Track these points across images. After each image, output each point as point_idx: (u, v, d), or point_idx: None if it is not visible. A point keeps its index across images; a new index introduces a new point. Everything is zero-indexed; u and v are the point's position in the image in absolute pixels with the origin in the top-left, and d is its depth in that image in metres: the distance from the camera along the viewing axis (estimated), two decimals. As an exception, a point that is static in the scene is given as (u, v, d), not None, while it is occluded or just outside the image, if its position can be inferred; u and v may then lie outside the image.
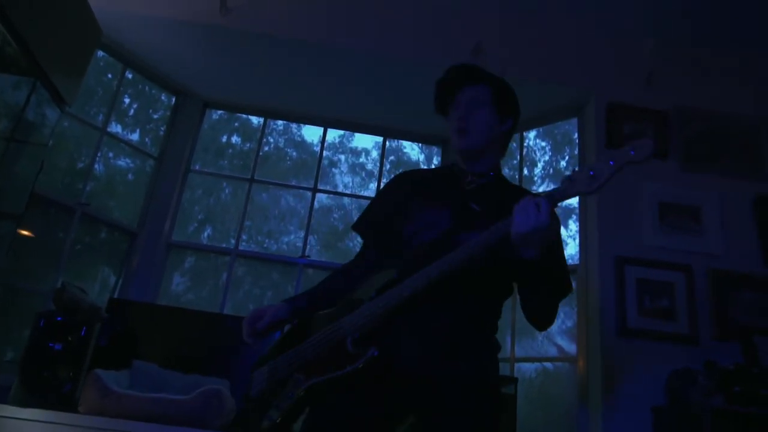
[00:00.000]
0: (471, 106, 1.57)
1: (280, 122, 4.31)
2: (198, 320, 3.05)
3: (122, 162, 3.72)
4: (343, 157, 4.49)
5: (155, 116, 3.90)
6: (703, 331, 2.84)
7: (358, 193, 4.26)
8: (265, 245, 4.13)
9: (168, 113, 3.89)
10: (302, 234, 3.87)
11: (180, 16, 3.23)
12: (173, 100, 3.91)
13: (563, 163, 3.87)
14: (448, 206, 1.54)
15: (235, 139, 4.36)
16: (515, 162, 3.72)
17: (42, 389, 2.38)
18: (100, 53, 3.42)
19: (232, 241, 3.80)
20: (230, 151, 4.33)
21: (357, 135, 4.47)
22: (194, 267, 3.88)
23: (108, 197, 3.65)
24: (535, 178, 3.97)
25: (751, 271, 2.97)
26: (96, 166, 3.47)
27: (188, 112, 3.90)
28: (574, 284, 1.55)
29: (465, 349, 1.43)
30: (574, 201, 3.51)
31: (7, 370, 2.73)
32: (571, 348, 3.22)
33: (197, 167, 3.96)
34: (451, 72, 1.66)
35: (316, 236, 4.00)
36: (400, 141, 4.28)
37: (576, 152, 3.51)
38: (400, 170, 1.94)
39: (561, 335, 3.38)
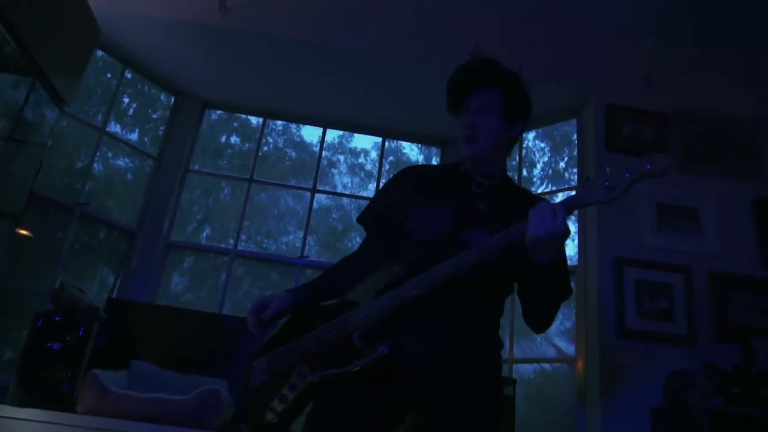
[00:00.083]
0: (480, 113, 1.55)
1: (279, 122, 4.31)
2: (197, 320, 3.04)
3: (121, 162, 3.72)
4: (342, 157, 4.49)
5: (154, 116, 3.90)
6: (701, 332, 2.84)
7: (357, 194, 4.25)
8: (264, 245, 4.12)
9: (167, 113, 3.89)
10: (301, 234, 3.86)
11: (179, 16, 3.23)
12: (172, 99, 3.90)
13: (562, 164, 3.87)
14: (454, 205, 1.54)
15: (234, 139, 4.36)
16: (514, 163, 3.72)
17: (40, 389, 2.37)
18: (100, 53, 3.42)
19: (231, 241, 3.79)
20: (229, 151, 4.32)
21: (356, 135, 4.47)
22: (193, 267, 3.88)
23: (107, 197, 3.65)
24: (534, 179, 3.96)
25: (749, 272, 2.97)
26: (95, 165, 3.46)
27: (187, 112, 3.89)
28: (573, 285, 1.56)
29: (469, 348, 1.44)
30: (573, 202, 3.49)
31: (5, 370, 2.73)
32: (569, 349, 3.21)
33: (196, 167, 3.96)
34: (462, 73, 1.62)
35: (315, 236, 3.99)
36: (399, 141, 4.28)
37: (575, 153, 3.51)
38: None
39: (560, 336, 3.38)
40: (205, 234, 4.10)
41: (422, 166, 1.85)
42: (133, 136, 3.76)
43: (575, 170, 3.47)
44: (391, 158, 4.34)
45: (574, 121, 3.55)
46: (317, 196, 4.00)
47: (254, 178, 3.95)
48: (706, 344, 2.82)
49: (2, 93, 2.65)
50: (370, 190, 4.26)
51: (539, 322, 1.53)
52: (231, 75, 3.74)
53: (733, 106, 3.34)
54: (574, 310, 3.13)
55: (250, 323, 1.57)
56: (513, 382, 2.66)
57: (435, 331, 1.41)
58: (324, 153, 4.11)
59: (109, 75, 3.62)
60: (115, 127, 3.61)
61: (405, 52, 3.37)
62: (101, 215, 3.43)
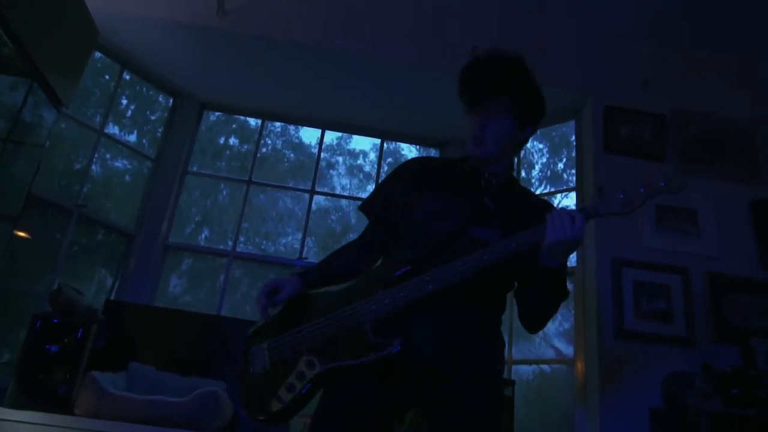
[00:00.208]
0: (491, 115, 1.53)
1: (277, 124, 4.31)
2: (195, 322, 3.04)
3: (119, 163, 3.72)
4: (340, 158, 4.50)
5: (153, 118, 3.89)
6: (700, 333, 2.84)
7: (355, 195, 4.26)
8: (262, 247, 4.12)
9: (165, 115, 3.89)
10: (300, 236, 3.86)
11: (177, 18, 3.22)
12: (171, 101, 3.90)
13: (561, 166, 3.88)
14: (463, 199, 1.54)
15: (232, 140, 4.36)
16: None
17: (38, 391, 2.37)
18: (98, 54, 3.42)
19: (230, 243, 3.79)
20: (228, 152, 4.33)
21: (355, 137, 4.47)
22: (191, 269, 3.87)
23: (105, 199, 3.65)
24: (533, 181, 3.97)
25: (747, 274, 2.97)
26: (93, 167, 3.46)
27: (186, 114, 3.89)
28: (572, 286, 1.57)
29: (475, 345, 1.45)
30: (571, 202, 3.52)
31: (3, 371, 2.72)
32: (568, 350, 3.22)
33: (195, 169, 3.95)
34: (476, 72, 1.59)
35: (313, 238, 3.99)
36: (398, 143, 4.29)
37: (573, 155, 3.51)
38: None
39: (558, 337, 3.38)
40: (203, 235, 4.10)
41: (429, 157, 1.84)
42: (132, 138, 3.76)
43: (573, 171, 3.47)
44: (389, 160, 4.34)
45: (572, 123, 3.55)
46: (316, 197, 3.99)
47: (253, 179, 3.95)
48: (704, 345, 2.82)
49: (0, 94, 2.65)
50: (369, 191, 4.26)
51: (537, 322, 1.55)
52: (229, 76, 3.74)
53: (731, 108, 3.35)
54: (573, 312, 3.13)
55: (261, 306, 1.53)
56: (512, 383, 2.65)
57: (443, 328, 1.41)
58: (322, 154, 4.12)
59: (107, 76, 3.62)
60: (113, 129, 3.61)
61: (403, 54, 3.37)
62: (99, 217, 3.42)
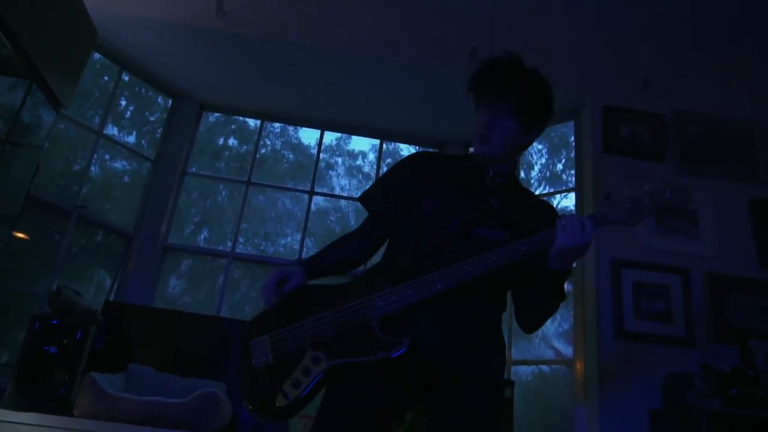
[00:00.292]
0: (498, 115, 1.52)
1: (276, 124, 4.31)
2: (194, 323, 3.04)
3: (118, 164, 3.71)
4: (339, 159, 4.49)
5: (152, 118, 3.89)
6: (699, 333, 2.85)
7: (354, 196, 4.25)
8: (261, 248, 4.12)
9: (164, 115, 3.89)
10: (299, 236, 3.86)
11: (176, 19, 3.22)
12: (170, 102, 3.90)
13: (560, 166, 3.88)
14: (467, 197, 1.54)
15: (231, 141, 4.36)
16: (512, 165, 3.72)
17: (37, 392, 2.37)
18: (97, 55, 3.42)
19: (229, 244, 3.79)
20: (227, 153, 4.32)
21: (354, 137, 4.47)
22: (190, 269, 3.87)
23: (104, 200, 3.64)
24: (532, 181, 3.97)
25: (747, 274, 2.98)
26: (92, 168, 3.46)
27: (185, 115, 3.89)
28: (571, 287, 1.57)
29: (478, 344, 1.45)
30: (571, 203, 3.51)
31: (2, 373, 2.72)
32: (567, 351, 3.22)
33: (194, 170, 3.95)
34: (487, 72, 1.59)
35: (312, 239, 3.99)
36: (397, 143, 4.29)
37: (572, 155, 3.51)
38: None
39: (557, 338, 3.38)
40: (202, 236, 4.10)
41: (432, 153, 1.82)
42: (131, 139, 3.76)
43: (573, 172, 3.47)
44: (388, 160, 4.34)
45: (571, 123, 3.55)
46: (315, 198, 3.99)
47: (252, 180, 3.95)
48: (704, 346, 2.82)
49: (-1, 95, 2.65)
50: (368, 192, 4.25)
51: (535, 322, 1.57)
52: (228, 77, 3.74)
53: (730, 109, 3.35)
54: (572, 312, 3.13)
55: (268, 295, 1.49)
56: (511, 383, 2.66)
57: (446, 327, 1.41)
58: (322, 155, 4.11)
59: (106, 77, 3.62)
60: (112, 130, 3.60)
61: (402, 54, 3.37)
62: (98, 218, 3.42)
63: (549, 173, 3.99)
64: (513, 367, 3.30)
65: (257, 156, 4.04)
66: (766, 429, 2.36)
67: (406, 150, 4.41)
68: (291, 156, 4.40)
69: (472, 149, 1.64)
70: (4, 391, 2.39)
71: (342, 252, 1.65)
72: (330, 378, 1.39)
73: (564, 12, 3.35)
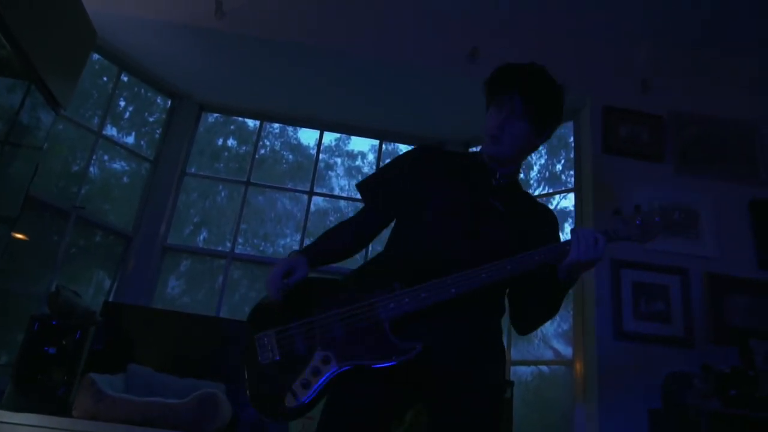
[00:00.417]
0: (511, 117, 1.52)
1: (276, 125, 4.31)
2: (193, 324, 3.04)
3: (117, 165, 3.71)
4: (339, 160, 4.49)
5: (151, 119, 3.89)
6: (698, 334, 2.85)
7: (354, 196, 4.25)
8: (261, 248, 4.12)
9: (163, 116, 3.89)
10: (298, 237, 3.86)
11: (175, 20, 3.22)
12: (169, 103, 3.90)
13: (559, 167, 3.88)
14: (472, 198, 1.54)
15: (231, 142, 4.36)
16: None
17: (36, 393, 2.36)
18: (96, 56, 3.42)
19: (228, 244, 3.79)
20: (226, 154, 4.32)
21: (353, 138, 4.47)
22: (190, 270, 3.87)
23: (103, 200, 3.64)
24: (532, 182, 3.97)
25: (746, 274, 2.98)
26: (91, 169, 3.46)
27: (184, 115, 3.89)
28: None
29: (480, 346, 1.46)
30: (570, 203, 3.52)
31: (1, 373, 2.71)
32: (567, 351, 3.22)
33: (193, 170, 3.95)
34: (505, 74, 1.58)
35: (312, 239, 3.97)
36: (397, 144, 4.28)
37: (572, 156, 3.52)
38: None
39: (557, 338, 3.38)
40: (201, 237, 4.10)
41: (437, 148, 1.78)
42: (130, 140, 3.76)
43: (572, 172, 3.47)
44: (388, 161, 4.34)
45: (570, 124, 3.55)
46: (314, 198, 3.99)
47: (251, 180, 3.94)
48: (703, 346, 2.82)
49: (-2, 96, 2.65)
50: (368, 192, 4.25)
51: (531, 327, 1.59)
52: (227, 78, 3.74)
53: (730, 109, 3.35)
54: (572, 313, 3.13)
55: (276, 288, 1.42)
56: (510, 384, 2.66)
57: (451, 329, 1.41)
58: (321, 155, 4.11)
59: (105, 78, 3.62)
60: (111, 131, 3.60)
61: (401, 55, 3.37)
62: (97, 219, 3.42)
63: (548, 173, 3.99)
64: (512, 368, 3.29)
65: (256, 156, 4.03)
66: (765, 429, 2.36)
67: (405, 150, 4.41)
68: (290, 156, 4.40)
69: (472, 149, 1.64)
70: (3, 392, 2.39)
71: (339, 241, 1.62)
72: (339, 379, 1.37)
73: (564, 12, 3.36)
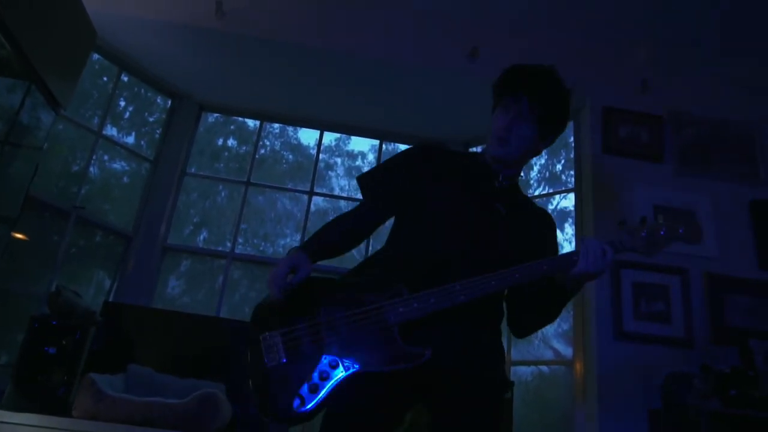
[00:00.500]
0: (519, 119, 1.51)
1: (276, 125, 4.31)
2: (194, 324, 3.04)
3: (117, 165, 3.71)
4: (339, 160, 4.50)
5: (151, 119, 3.89)
6: (698, 334, 2.85)
7: (354, 196, 4.25)
8: (261, 248, 4.12)
9: (164, 116, 3.89)
10: (298, 237, 3.86)
11: (176, 20, 3.22)
12: (169, 103, 3.90)
13: (559, 167, 3.88)
14: (476, 201, 1.53)
15: (231, 142, 4.36)
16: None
17: (36, 393, 2.36)
18: (96, 56, 3.42)
19: (228, 244, 3.79)
20: (226, 154, 4.32)
21: (353, 138, 4.48)
22: (190, 270, 3.87)
23: (103, 200, 3.64)
24: (532, 182, 3.97)
25: (746, 274, 2.98)
26: (91, 169, 3.46)
27: (184, 115, 3.89)
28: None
29: (482, 349, 1.46)
30: (570, 203, 3.52)
31: (2, 373, 2.72)
32: (567, 351, 3.22)
33: (193, 170, 3.95)
34: (517, 76, 1.57)
35: (312, 239, 3.98)
36: (397, 144, 4.28)
37: (572, 156, 3.52)
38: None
39: (557, 338, 3.38)
40: (201, 237, 4.10)
41: (439, 147, 1.76)
42: (130, 140, 3.76)
43: (572, 172, 3.47)
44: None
45: (570, 124, 3.55)
46: (314, 198, 3.99)
47: (251, 181, 3.94)
48: (703, 346, 2.82)
49: (-2, 96, 2.65)
50: (368, 192, 4.25)
51: (529, 331, 1.62)
52: (227, 78, 3.74)
53: (729, 110, 3.35)
54: (572, 313, 3.13)
55: (278, 288, 1.38)
56: (511, 384, 2.66)
57: (454, 333, 1.41)
58: (321, 156, 4.11)
59: (105, 78, 3.62)
60: (111, 131, 3.60)
61: (402, 55, 3.37)
62: (97, 219, 3.42)
63: (548, 173, 3.99)
64: (512, 368, 3.29)
65: (256, 156, 4.03)
66: (765, 429, 2.36)
67: (406, 150, 4.41)
68: (290, 156, 4.40)
69: (472, 149, 1.64)
70: (3, 392, 2.39)
71: (339, 236, 1.60)
72: (347, 383, 1.35)
73: (564, 13, 3.35)
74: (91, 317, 2.63)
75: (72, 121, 3.32)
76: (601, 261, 1.35)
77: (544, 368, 3.43)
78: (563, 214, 3.79)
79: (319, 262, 1.51)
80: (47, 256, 3.13)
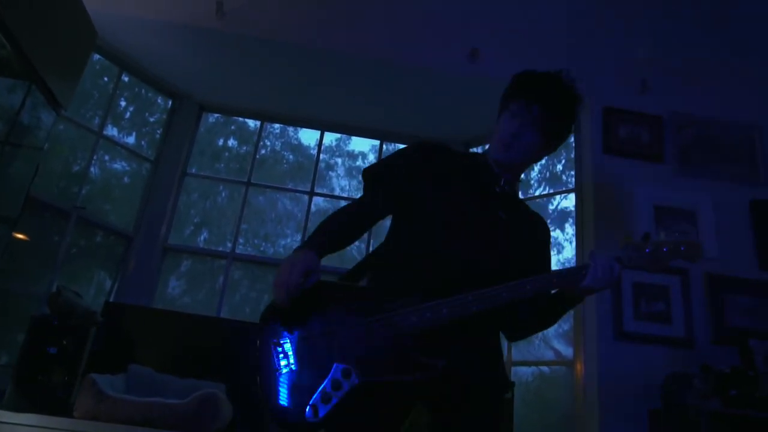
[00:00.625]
0: (527, 126, 1.51)
1: (276, 125, 4.30)
2: (194, 324, 3.04)
3: (118, 165, 3.72)
4: (339, 160, 4.49)
5: (151, 119, 3.89)
6: (698, 334, 2.85)
7: (354, 197, 4.25)
8: (261, 248, 4.12)
9: (164, 116, 3.89)
10: (299, 237, 3.86)
11: (176, 20, 3.22)
12: (169, 103, 3.90)
13: (559, 167, 3.88)
14: (478, 203, 1.53)
15: (231, 142, 4.36)
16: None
17: (37, 394, 2.37)
18: (96, 56, 3.42)
19: (229, 245, 3.79)
20: (227, 154, 4.32)
21: (354, 138, 4.47)
22: (190, 270, 3.87)
23: (104, 201, 3.65)
24: (532, 182, 3.97)
25: (746, 275, 2.97)
26: (92, 169, 3.46)
27: (184, 115, 3.89)
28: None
29: (487, 352, 1.48)
30: (570, 204, 3.52)
31: (2, 374, 2.72)
32: (567, 351, 3.22)
33: (193, 170, 3.95)
34: (531, 81, 1.57)
35: (312, 239, 3.98)
36: (397, 144, 4.28)
37: (572, 156, 3.51)
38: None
39: (558, 339, 3.38)
40: (202, 237, 4.10)
41: (441, 145, 1.73)
42: (130, 140, 3.76)
43: (572, 173, 3.47)
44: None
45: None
46: (315, 198, 3.99)
47: (252, 181, 3.95)
48: (703, 346, 2.82)
49: (-1, 97, 2.65)
50: (368, 193, 4.25)
51: (524, 336, 1.65)
52: (228, 78, 3.74)
53: (729, 110, 3.35)
54: (572, 313, 3.13)
55: (293, 289, 1.32)
56: (511, 384, 2.66)
57: (467, 343, 1.41)
58: (321, 156, 4.12)
59: (105, 78, 3.62)
60: (111, 131, 3.60)
61: (402, 55, 3.37)
62: (98, 219, 3.42)
63: (549, 174, 3.99)
64: (513, 368, 3.29)
65: (257, 157, 4.04)
66: (765, 429, 2.36)
67: (406, 151, 4.40)
68: (291, 157, 4.40)
69: (472, 149, 1.64)
70: (4, 393, 2.40)
71: (342, 231, 1.55)
72: (359, 393, 1.32)
73: (563, 13, 3.36)
74: (92, 317, 2.63)
75: (72, 122, 3.33)
76: (609, 277, 1.38)
77: (544, 368, 3.43)
78: (563, 214, 3.79)
79: (318, 262, 1.50)
80: (48, 257, 3.13)
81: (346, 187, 4.42)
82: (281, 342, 1.37)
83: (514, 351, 3.32)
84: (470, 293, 1.34)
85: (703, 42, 3.36)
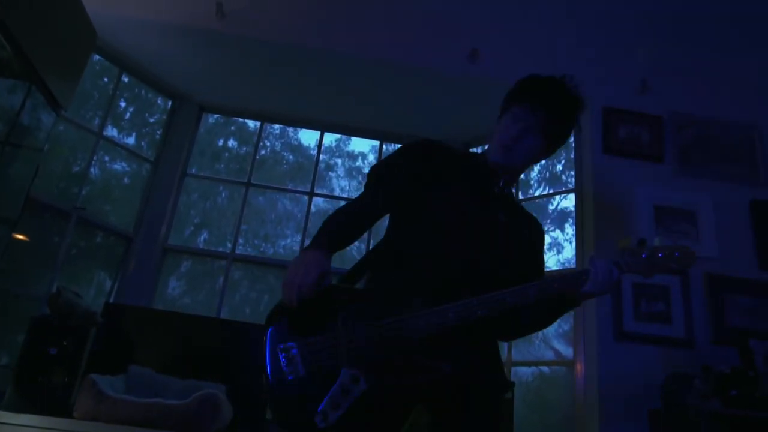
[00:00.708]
0: (529, 130, 1.51)
1: (276, 126, 4.30)
2: (194, 324, 3.04)
3: (118, 166, 3.72)
4: (339, 160, 4.49)
5: (151, 120, 3.89)
6: (699, 334, 2.85)
7: (354, 197, 4.25)
8: (261, 249, 4.12)
9: (164, 117, 3.89)
10: (299, 238, 3.86)
11: (176, 20, 3.23)
12: (169, 103, 3.90)
13: (559, 167, 3.87)
14: (476, 203, 1.53)
15: (231, 142, 4.35)
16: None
17: (37, 394, 2.37)
18: (96, 57, 3.42)
19: (229, 245, 3.79)
20: (227, 154, 4.32)
21: (354, 139, 4.47)
22: (190, 271, 3.87)
23: (104, 201, 3.65)
24: (532, 182, 3.97)
25: (746, 275, 2.97)
26: (92, 170, 3.46)
27: (184, 116, 3.89)
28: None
29: (488, 353, 1.48)
30: (570, 204, 3.52)
31: (2, 374, 2.72)
32: (567, 352, 3.22)
33: (193, 171, 3.95)
34: (536, 85, 1.56)
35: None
36: (397, 145, 4.29)
37: (572, 156, 3.52)
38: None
39: (558, 339, 3.38)
40: (202, 238, 4.10)
41: (441, 144, 1.72)
42: (130, 140, 3.76)
43: (572, 173, 3.47)
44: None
45: (570, 124, 3.54)
46: (315, 199, 4.00)
47: (252, 181, 3.95)
48: (703, 347, 2.82)
49: (-1, 97, 2.65)
50: (368, 193, 4.25)
51: (518, 336, 1.67)
52: (228, 79, 3.74)
53: (729, 110, 3.35)
54: (572, 313, 3.13)
55: (306, 293, 1.30)
56: (511, 385, 2.65)
57: (470, 346, 1.41)
58: (321, 156, 4.12)
59: (105, 79, 3.62)
60: (112, 132, 3.61)
61: (402, 55, 3.37)
62: (98, 219, 3.42)
63: (549, 174, 3.98)
64: (513, 368, 3.29)
65: (257, 157, 4.04)
66: (765, 429, 2.36)
67: (406, 151, 4.40)
68: (291, 157, 4.40)
69: (472, 149, 1.64)
70: (4, 393, 2.39)
71: (347, 232, 1.54)
72: (367, 397, 1.31)
73: (563, 13, 3.36)
74: (92, 318, 2.63)
75: (73, 122, 3.33)
76: (609, 283, 1.40)
77: (544, 369, 3.42)
78: (563, 214, 3.79)
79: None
80: (48, 257, 3.13)
81: (346, 187, 4.42)
82: (288, 347, 1.35)
83: (514, 351, 3.32)
84: (475, 298, 1.35)
85: (703, 42, 3.36)
